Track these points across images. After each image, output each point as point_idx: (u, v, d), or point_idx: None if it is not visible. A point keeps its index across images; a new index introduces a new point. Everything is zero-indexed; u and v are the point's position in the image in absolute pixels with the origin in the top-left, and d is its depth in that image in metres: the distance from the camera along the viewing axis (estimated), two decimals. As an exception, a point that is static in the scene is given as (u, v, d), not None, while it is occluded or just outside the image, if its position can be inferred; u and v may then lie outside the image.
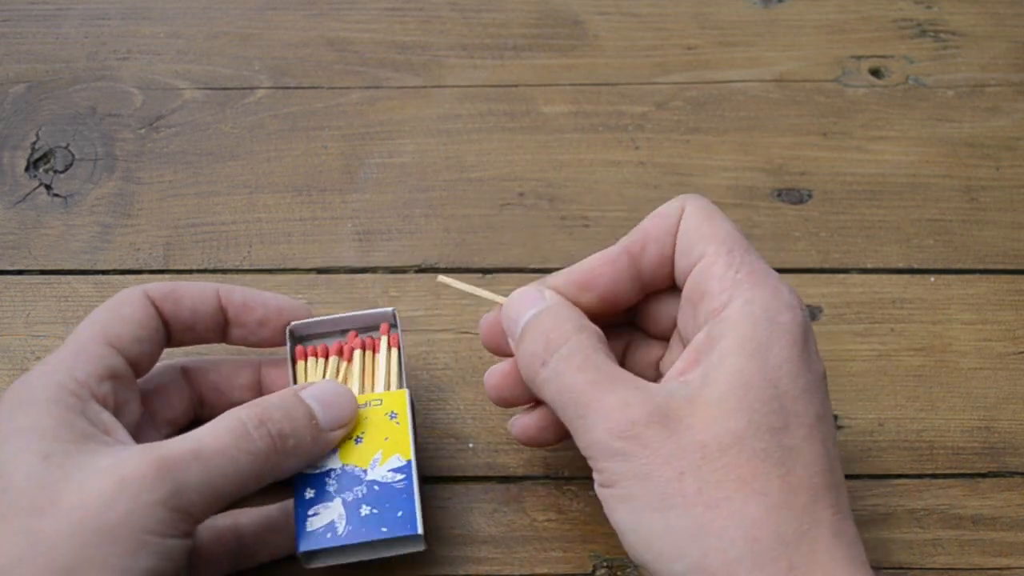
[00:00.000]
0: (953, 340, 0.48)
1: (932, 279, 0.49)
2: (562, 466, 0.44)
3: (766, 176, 0.52)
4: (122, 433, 0.36)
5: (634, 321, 0.41)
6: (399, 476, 0.39)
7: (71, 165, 0.52)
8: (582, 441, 0.36)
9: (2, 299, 0.48)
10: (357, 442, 0.40)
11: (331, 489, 0.39)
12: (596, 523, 0.42)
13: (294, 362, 0.42)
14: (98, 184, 0.51)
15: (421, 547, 0.39)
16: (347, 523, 0.38)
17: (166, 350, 0.41)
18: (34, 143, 0.52)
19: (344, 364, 0.42)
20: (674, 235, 0.38)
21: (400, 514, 0.38)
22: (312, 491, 0.39)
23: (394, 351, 0.42)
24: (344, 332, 0.43)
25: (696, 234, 0.37)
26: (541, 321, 0.37)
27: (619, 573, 0.42)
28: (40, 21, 0.56)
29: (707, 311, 0.36)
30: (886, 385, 0.46)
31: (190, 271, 0.49)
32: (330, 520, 0.38)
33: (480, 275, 0.49)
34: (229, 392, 0.42)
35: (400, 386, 0.42)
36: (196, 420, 0.41)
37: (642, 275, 0.39)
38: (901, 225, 0.51)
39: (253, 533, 0.40)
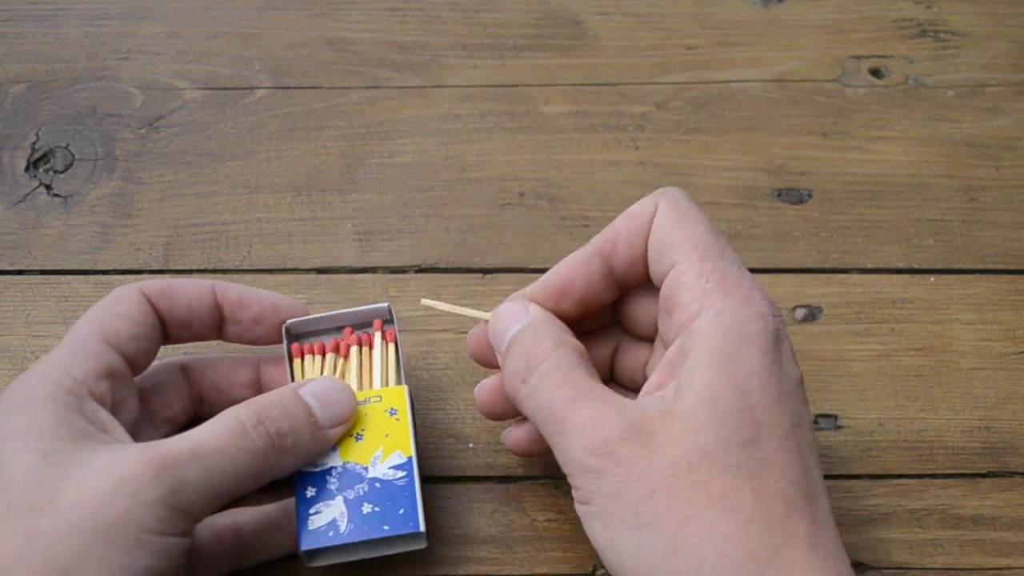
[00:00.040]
0: (953, 340, 0.48)
1: (932, 279, 0.49)
2: (562, 466, 0.44)
3: (766, 176, 0.52)
4: (120, 432, 0.36)
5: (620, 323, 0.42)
6: (400, 473, 0.39)
7: (71, 165, 0.52)
8: (560, 457, 0.36)
9: (2, 299, 0.48)
10: (357, 439, 0.40)
11: (332, 487, 0.38)
12: (596, 523, 0.42)
13: (291, 360, 0.42)
14: (98, 184, 0.51)
15: (423, 544, 0.39)
16: (349, 521, 0.38)
17: (167, 348, 0.41)
18: (34, 143, 0.52)
19: (341, 361, 0.42)
20: (645, 236, 0.38)
21: (402, 512, 0.38)
22: (313, 489, 0.39)
23: (391, 346, 0.42)
24: (340, 329, 0.43)
25: (668, 239, 0.37)
26: (523, 337, 0.37)
27: (619, 573, 0.42)
28: (40, 21, 0.56)
29: (679, 322, 0.35)
30: (886, 385, 0.46)
31: (190, 271, 0.49)
32: (332, 518, 0.38)
33: (480, 275, 0.49)
34: (228, 390, 0.42)
35: (399, 382, 0.42)
36: (195, 418, 0.41)
37: (615, 275, 0.39)
38: (901, 225, 0.51)
39: (253, 532, 0.40)
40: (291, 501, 0.39)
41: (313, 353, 0.42)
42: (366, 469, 0.39)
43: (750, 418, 0.33)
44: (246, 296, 0.41)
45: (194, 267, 0.49)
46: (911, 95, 0.55)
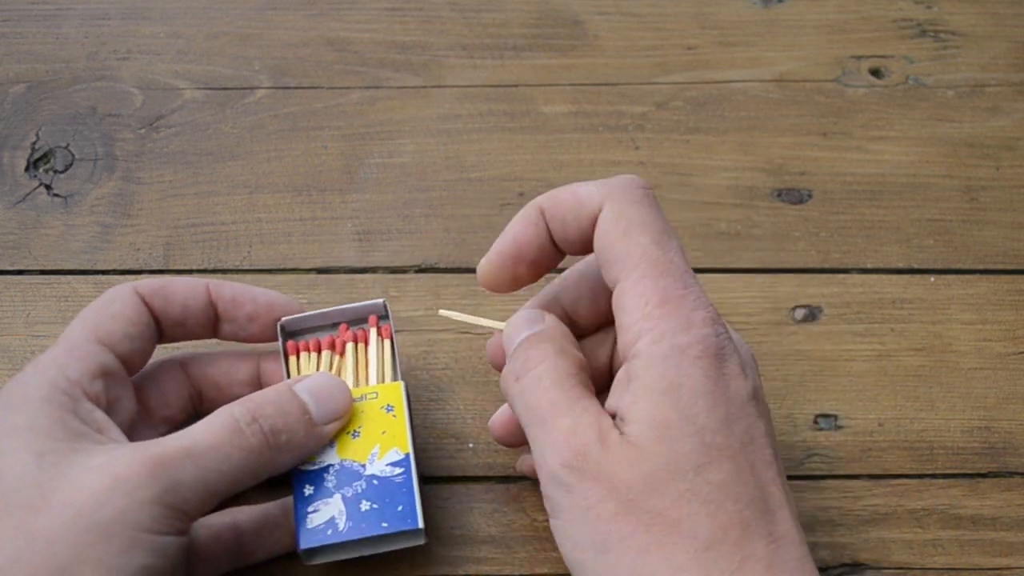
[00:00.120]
0: (953, 340, 0.48)
1: (932, 279, 0.49)
2: (562, 466, 0.44)
3: (766, 176, 0.52)
4: (115, 432, 0.36)
5: None
6: (398, 470, 0.39)
7: (71, 165, 0.52)
8: (537, 460, 0.35)
9: (2, 299, 0.48)
10: (354, 436, 0.40)
11: (330, 485, 0.38)
12: (596, 523, 0.42)
13: (287, 357, 0.42)
14: (98, 184, 0.51)
15: (422, 541, 0.39)
16: (347, 519, 0.38)
17: (167, 345, 0.41)
18: (34, 143, 0.52)
19: (337, 358, 0.42)
20: (583, 225, 0.36)
21: (400, 508, 0.38)
22: (311, 487, 0.39)
23: (386, 342, 0.42)
24: (335, 326, 0.43)
25: (610, 253, 0.35)
26: (529, 341, 0.37)
27: (619, 573, 0.42)
28: (40, 21, 0.56)
29: (624, 344, 0.35)
30: (886, 385, 0.46)
31: (190, 271, 0.49)
32: (330, 516, 0.38)
33: (480, 275, 0.49)
34: (228, 387, 0.42)
35: (395, 378, 0.42)
36: (194, 415, 0.41)
37: (559, 241, 0.38)
38: (901, 225, 0.51)
39: (252, 531, 0.40)
40: (290, 499, 0.39)
41: (309, 350, 0.42)
42: (363, 466, 0.39)
43: (700, 442, 0.33)
44: (240, 294, 0.41)
45: (194, 267, 0.49)
46: (911, 95, 0.55)
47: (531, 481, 0.44)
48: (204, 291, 0.41)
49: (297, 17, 0.57)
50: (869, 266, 0.50)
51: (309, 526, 0.38)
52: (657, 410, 0.33)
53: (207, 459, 0.35)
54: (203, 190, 0.51)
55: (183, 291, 0.40)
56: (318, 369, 0.42)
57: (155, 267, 0.49)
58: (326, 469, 0.39)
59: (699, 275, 0.48)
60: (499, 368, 0.41)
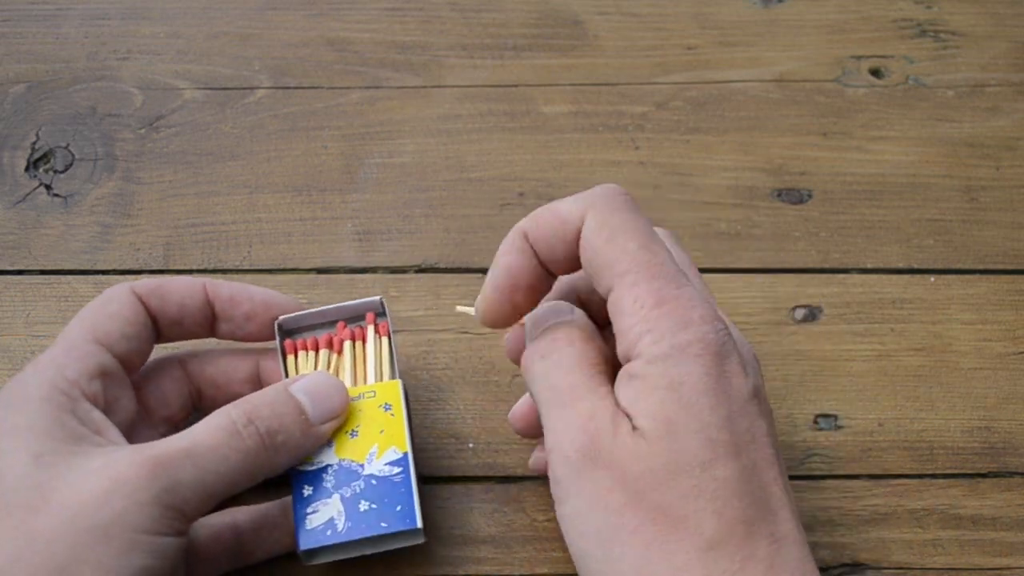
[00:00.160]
0: (953, 340, 0.48)
1: (932, 279, 0.49)
2: (562, 466, 0.44)
3: (766, 176, 0.52)
4: (114, 433, 0.36)
5: None
6: (396, 469, 0.39)
7: (71, 165, 0.52)
8: (550, 441, 0.35)
9: (2, 299, 0.48)
10: (352, 436, 0.39)
11: (329, 485, 0.38)
12: (596, 523, 0.42)
13: (284, 356, 0.42)
14: (98, 184, 0.51)
15: (421, 540, 0.39)
16: (346, 519, 0.38)
17: (167, 345, 0.41)
18: (34, 143, 0.52)
19: (335, 356, 0.42)
20: (568, 243, 0.36)
21: (399, 508, 0.38)
22: (310, 488, 0.39)
23: (384, 340, 0.42)
24: (333, 323, 0.43)
25: (599, 260, 0.35)
26: (560, 327, 0.37)
27: (619, 573, 0.42)
28: (40, 21, 0.56)
29: (624, 348, 0.35)
30: (886, 385, 0.46)
31: (190, 271, 0.49)
32: (329, 517, 0.38)
33: (480, 275, 0.49)
34: (227, 386, 0.42)
35: (393, 376, 0.42)
36: (194, 414, 0.41)
37: (547, 262, 0.37)
38: (901, 225, 0.51)
39: (251, 531, 0.40)
40: (289, 499, 0.39)
41: (307, 349, 0.42)
42: (362, 466, 0.39)
43: (705, 438, 0.33)
44: (237, 293, 0.41)
45: (194, 267, 0.49)
46: (911, 95, 0.55)
47: (531, 481, 0.44)
48: (201, 290, 0.41)
49: (297, 17, 0.57)
50: (869, 266, 0.50)
51: (308, 527, 0.38)
52: (661, 407, 0.33)
53: (205, 460, 0.35)
54: (203, 190, 0.51)
55: (180, 290, 0.40)
56: (316, 368, 0.42)
57: (155, 267, 0.49)
58: (324, 469, 0.39)
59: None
60: (516, 361, 0.40)
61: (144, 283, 0.40)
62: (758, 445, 0.34)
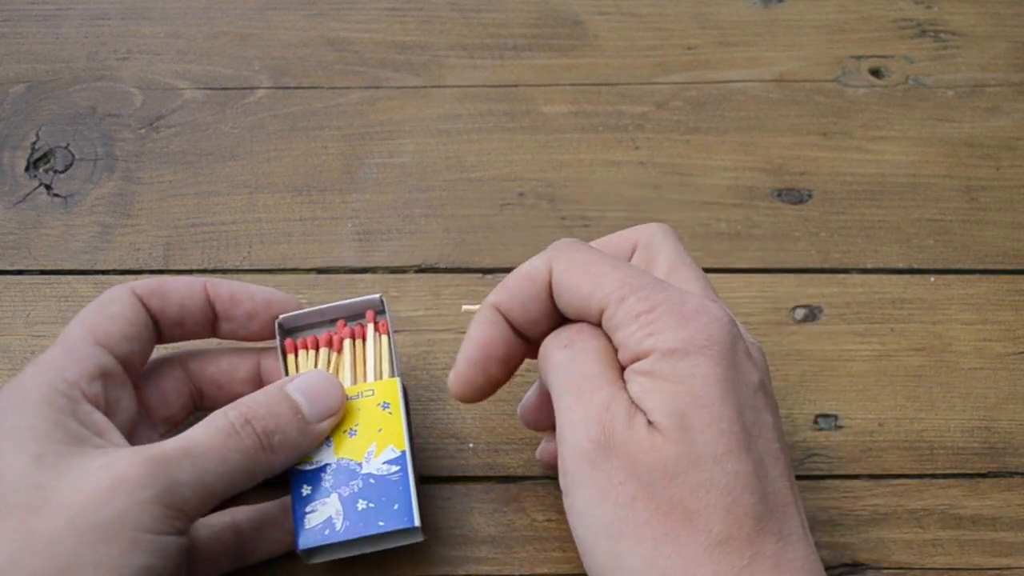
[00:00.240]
0: (953, 340, 0.48)
1: (932, 279, 0.49)
2: (562, 466, 0.44)
3: (766, 176, 0.52)
4: (115, 435, 0.36)
5: None
6: (394, 468, 0.39)
7: (71, 165, 0.52)
8: (563, 430, 0.35)
9: (2, 299, 0.48)
10: (351, 435, 0.40)
11: (327, 484, 0.39)
12: (596, 523, 0.42)
13: (284, 355, 0.42)
14: (98, 184, 0.51)
15: (419, 538, 0.39)
16: (344, 518, 0.38)
17: (168, 345, 0.41)
18: (34, 143, 0.52)
19: (335, 355, 0.42)
20: (542, 301, 0.37)
21: (396, 507, 0.38)
22: (308, 487, 0.39)
23: (383, 338, 0.42)
24: (333, 322, 0.43)
25: (583, 292, 0.36)
26: (585, 326, 0.37)
27: (619, 573, 0.42)
28: (40, 21, 0.56)
29: (627, 357, 0.35)
30: (886, 385, 0.46)
31: (190, 271, 0.49)
32: (327, 516, 0.38)
33: (480, 275, 0.49)
34: (228, 385, 0.42)
35: (393, 374, 0.42)
36: (195, 414, 0.41)
37: (519, 332, 0.38)
38: (901, 225, 0.51)
39: (252, 530, 0.40)
40: (289, 499, 0.39)
41: (307, 348, 0.42)
42: (360, 465, 0.39)
43: (717, 430, 0.33)
44: (238, 292, 0.41)
45: (194, 267, 0.49)
46: (911, 95, 0.55)
47: (531, 481, 0.44)
48: (201, 290, 0.41)
49: (297, 17, 0.57)
50: (869, 266, 0.50)
51: (307, 526, 0.38)
52: (674, 400, 0.33)
53: (205, 459, 0.35)
54: (203, 190, 0.51)
55: (180, 290, 0.40)
56: (316, 366, 0.42)
57: (155, 267, 0.49)
58: (323, 468, 0.39)
59: (699, 275, 0.49)
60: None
61: (144, 283, 0.40)
62: (765, 440, 0.34)
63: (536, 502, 0.43)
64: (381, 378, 0.41)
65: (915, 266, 0.50)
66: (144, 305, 0.40)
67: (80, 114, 0.53)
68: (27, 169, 0.52)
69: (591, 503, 0.34)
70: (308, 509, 0.38)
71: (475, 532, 0.42)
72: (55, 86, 0.54)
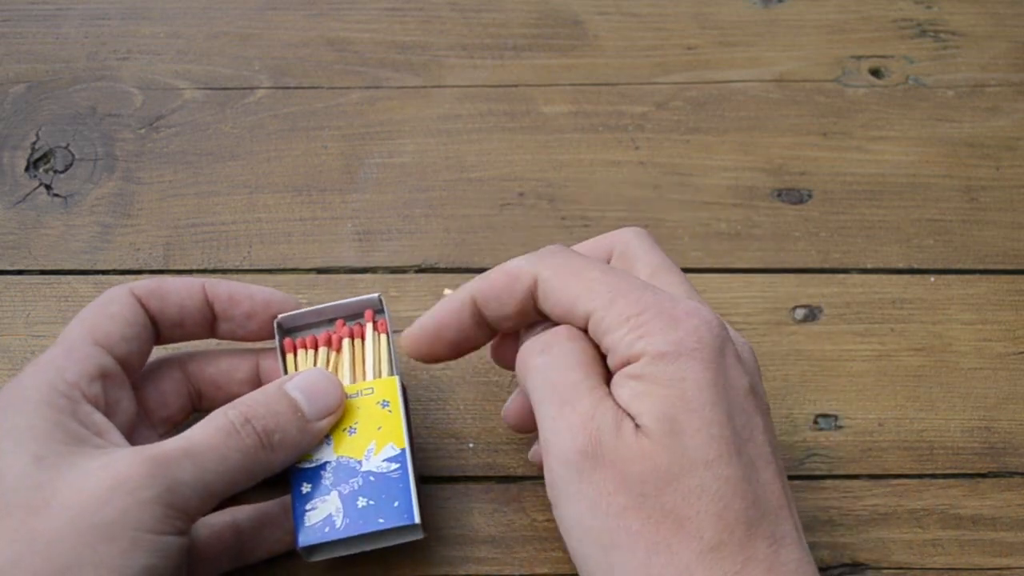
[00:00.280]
0: (953, 340, 0.48)
1: (932, 279, 0.49)
2: (562, 466, 0.44)
3: (766, 176, 0.52)
4: (115, 435, 0.36)
5: None
6: (394, 465, 0.39)
7: (71, 165, 0.52)
8: (547, 441, 0.35)
9: (2, 299, 0.48)
10: (351, 433, 0.40)
11: (327, 482, 0.39)
12: (596, 523, 0.42)
13: (284, 354, 0.42)
14: (98, 184, 0.51)
15: (419, 536, 0.39)
16: (344, 516, 0.38)
17: (168, 345, 0.41)
18: (34, 143, 0.52)
19: (333, 354, 0.42)
20: (519, 300, 0.37)
21: (396, 504, 0.38)
22: (308, 485, 0.39)
23: (383, 337, 0.42)
24: (332, 321, 0.43)
25: (569, 296, 0.36)
26: (560, 328, 0.37)
27: (619, 573, 0.42)
28: (40, 21, 0.56)
29: (617, 360, 0.35)
30: (886, 385, 0.46)
31: (190, 271, 0.49)
32: (327, 514, 0.38)
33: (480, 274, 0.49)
34: (227, 386, 0.42)
35: (392, 372, 0.42)
36: (194, 415, 0.41)
37: (488, 323, 0.39)
38: (901, 225, 0.51)
39: (252, 529, 0.40)
40: (289, 498, 0.39)
41: (305, 347, 0.42)
42: (360, 463, 0.39)
43: (708, 435, 0.33)
44: (237, 292, 0.41)
45: (194, 267, 0.49)
46: (911, 95, 0.55)
47: (531, 481, 0.44)
48: (200, 290, 0.41)
49: (297, 17, 0.57)
50: (869, 266, 0.50)
51: (307, 524, 0.38)
52: (664, 405, 0.33)
53: (205, 459, 0.35)
54: (203, 190, 0.51)
55: (179, 291, 0.40)
56: (315, 366, 0.42)
57: (155, 267, 0.49)
58: (323, 466, 0.39)
59: (699, 275, 0.49)
60: (500, 362, 0.41)
61: (143, 284, 0.40)
62: (756, 443, 0.34)
63: (536, 502, 0.43)
64: (380, 377, 0.41)
65: (915, 266, 0.50)
66: (143, 306, 0.40)
67: (80, 114, 0.53)
68: (27, 169, 0.52)
69: (581, 515, 0.33)
70: (308, 507, 0.38)
71: (475, 532, 0.42)
72: (55, 86, 0.54)
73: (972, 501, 0.44)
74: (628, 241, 0.40)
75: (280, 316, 0.42)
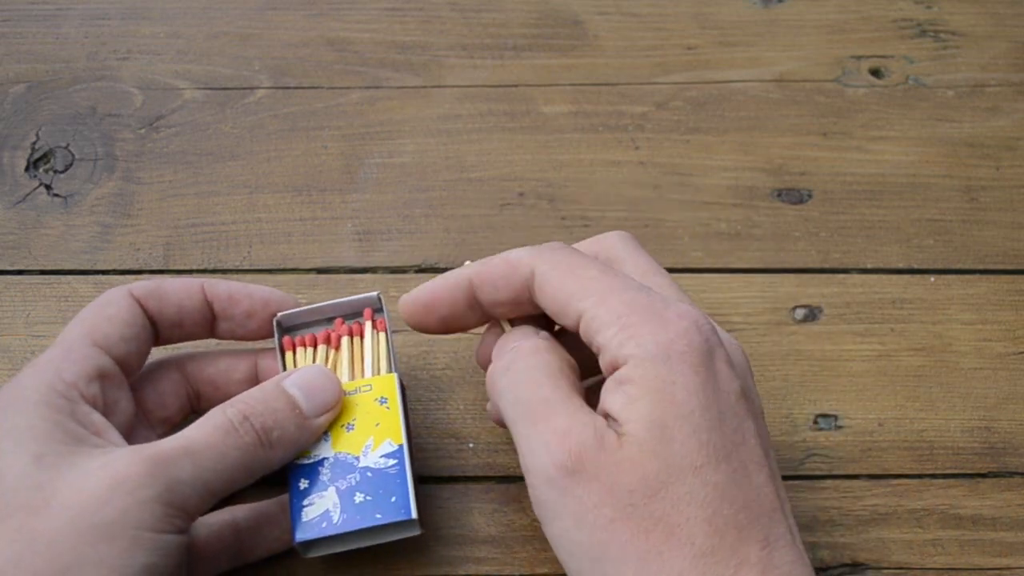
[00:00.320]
0: (953, 340, 0.48)
1: (932, 279, 0.49)
2: (562, 466, 0.44)
3: (766, 176, 0.52)
4: (113, 434, 0.36)
5: None
6: (391, 461, 0.39)
7: (71, 165, 0.52)
8: (525, 462, 0.35)
9: (2, 299, 0.48)
10: (349, 429, 0.40)
11: (324, 478, 0.39)
12: (596, 523, 0.42)
13: (283, 353, 0.42)
14: (98, 184, 0.51)
15: (417, 531, 0.39)
16: (341, 511, 0.38)
17: (167, 347, 0.41)
18: (34, 143, 0.52)
19: (332, 352, 0.42)
20: (515, 289, 0.37)
21: (394, 499, 0.38)
22: (306, 481, 0.39)
23: (381, 335, 0.42)
24: (331, 320, 0.43)
25: (564, 293, 0.36)
26: (524, 345, 0.37)
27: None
28: (40, 21, 0.56)
29: (607, 361, 0.35)
30: (886, 385, 0.46)
31: (190, 271, 0.49)
32: (325, 509, 0.38)
33: (480, 275, 0.49)
34: (226, 386, 0.42)
35: (390, 370, 0.42)
36: (193, 415, 0.41)
37: (481, 306, 0.39)
38: (901, 225, 0.51)
39: (251, 528, 0.40)
40: (288, 497, 0.40)
41: (305, 345, 0.42)
42: (357, 459, 0.39)
43: (696, 441, 0.33)
44: (236, 292, 0.41)
45: (194, 267, 0.49)
46: (911, 95, 0.55)
47: (531, 481, 0.44)
48: (199, 290, 0.41)
49: (297, 17, 0.57)
50: (869, 266, 0.50)
51: (304, 519, 0.38)
52: (653, 410, 0.33)
53: (204, 457, 0.35)
54: (203, 190, 0.51)
55: (178, 291, 0.40)
56: (314, 363, 0.42)
57: (155, 267, 0.49)
58: (321, 463, 0.39)
59: (699, 275, 0.49)
60: (484, 367, 0.41)
61: (142, 285, 0.40)
62: (748, 447, 0.34)
63: (536, 502, 0.43)
64: (379, 374, 0.41)
65: (915, 266, 0.50)
66: (142, 306, 0.40)
67: (80, 114, 0.53)
68: (27, 169, 0.52)
69: (568, 530, 0.33)
70: (306, 503, 0.38)
71: (475, 532, 0.42)
72: (55, 86, 0.54)
73: (972, 501, 0.44)
74: (613, 245, 0.40)
75: (279, 314, 0.42)
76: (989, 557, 0.42)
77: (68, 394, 0.36)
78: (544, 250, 0.38)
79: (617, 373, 0.34)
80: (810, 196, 0.52)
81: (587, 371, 0.39)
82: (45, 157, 0.52)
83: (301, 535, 0.38)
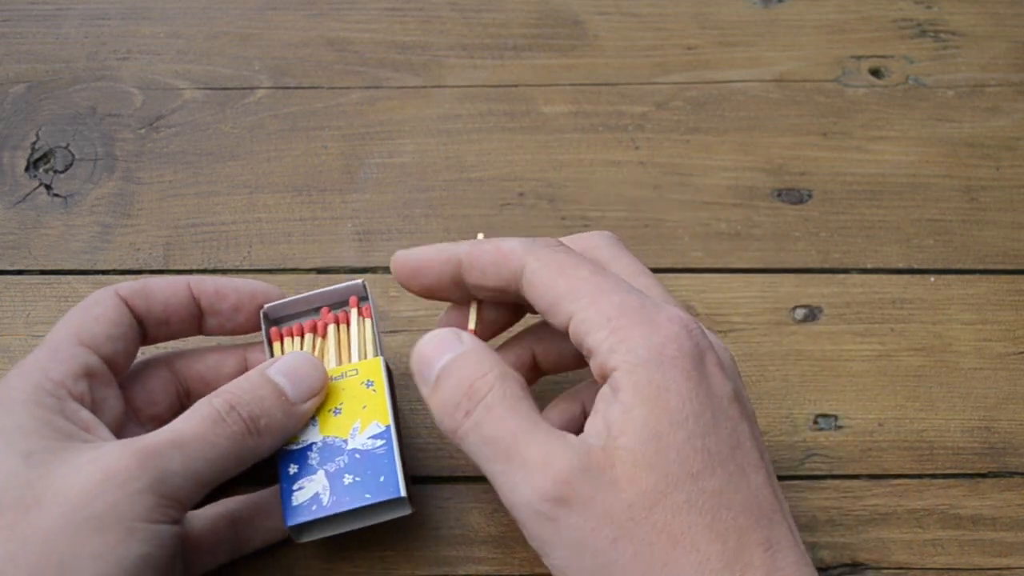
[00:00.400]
0: (953, 340, 0.48)
1: (932, 279, 0.49)
2: (562, 466, 0.44)
3: (766, 176, 0.52)
4: (103, 431, 0.36)
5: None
6: (379, 442, 0.39)
7: (71, 165, 0.52)
8: (508, 500, 0.34)
9: (2, 299, 0.48)
10: (336, 413, 0.40)
11: (313, 462, 0.39)
12: (596, 523, 0.42)
13: (270, 344, 0.42)
14: (98, 184, 0.51)
15: (407, 511, 0.39)
16: (331, 493, 0.38)
17: (160, 344, 0.41)
18: (34, 143, 0.52)
19: (319, 340, 0.42)
20: (504, 278, 0.37)
21: (383, 479, 0.38)
22: (295, 466, 0.39)
23: (367, 322, 0.42)
24: (317, 310, 0.43)
25: (555, 293, 0.36)
26: (460, 367, 0.36)
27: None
28: (40, 21, 0.56)
29: (598, 365, 0.34)
30: (886, 385, 0.46)
31: (190, 271, 0.49)
32: (314, 492, 0.38)
33: (480, 275, 0.49)
34: (215, 381, 0.42)
35: (376, 355, 0.42)
36: (182, 412, 0.41)
37: (474, 286, 0.38)
38: (901, 225, 0.51)
39: (247, 519, 0.40)
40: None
41: (292, 335, 0.42)
42: (345, 441, 0.39)
43: (692, 447, 0.32)
44: (222, 286, 0.41)
45: (194, 267, 0.49)
46: (911, 95, 0.55)
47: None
48: (185, 288, 0.41)
49: (297, 17, 0.57)
50: (869, 266, 0.50)
51: (295, 504, 0.38)
52: (649, 418, 0.33)
53: (193, 448, 0.35)
54: (203, 190, 0.51)
55: (164, 289, 0.41)
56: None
57: (155, 267, 0.49)
58: (309, 447, 0.39)
59: (699, 275, 0.49)
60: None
61: (128, 285, 0.40)
62: (743, 450, 0.34)
63: (536, 502, 0.43)
64: (365, 359, 0.41)
65: (915, 266, 0.50)
66: (128, 306, 0.40)
67: (80, 114, 0.53)
68: (27, 169, 0.52)
69: (570, 559, 0.33)
70: (295, 487, 0.38)
71: (475, 532, 0.42)
72: (55, 86, 0.54)
73: (972, 501, 0.44)
74: (597, 246, 0.40)
75: (266, 306, 0.42)
76: (989, 557, 0.42)
77: (56, 392, 0.36)
78: (537, 245, 0.37)
79: (610, 382, 0.34)
80: (810, 196, 0.52)
81: (559, 356, 0.39)
82: (45, 157, 0.52)
83: (292, 519, 0.38)
